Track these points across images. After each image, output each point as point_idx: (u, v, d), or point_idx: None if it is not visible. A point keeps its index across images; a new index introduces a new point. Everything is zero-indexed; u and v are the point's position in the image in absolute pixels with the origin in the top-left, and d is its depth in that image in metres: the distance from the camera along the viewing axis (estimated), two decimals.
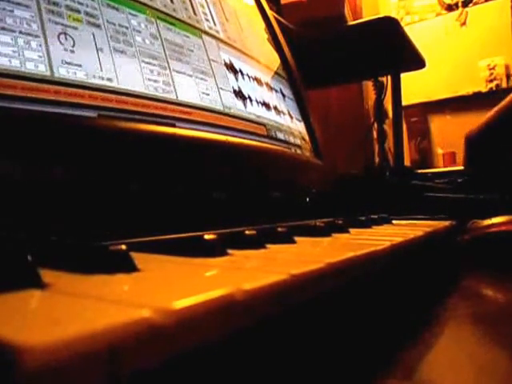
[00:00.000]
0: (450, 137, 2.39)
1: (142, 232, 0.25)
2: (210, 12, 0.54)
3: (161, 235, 0.25)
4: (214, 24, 0.54)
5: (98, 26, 0.36)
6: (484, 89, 2.46)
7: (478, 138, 0.86)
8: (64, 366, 0.09)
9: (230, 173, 0.43)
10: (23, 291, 0.13)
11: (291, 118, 0.65)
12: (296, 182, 0.58)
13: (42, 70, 0.30)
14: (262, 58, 0.63)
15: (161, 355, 0.11)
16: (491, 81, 2.44)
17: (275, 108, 0.61)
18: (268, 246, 0.26)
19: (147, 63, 0.39)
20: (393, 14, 2.39)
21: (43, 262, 0.16)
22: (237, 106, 0.50)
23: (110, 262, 0.16)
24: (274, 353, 0.16)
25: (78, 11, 0.35)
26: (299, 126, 0.67)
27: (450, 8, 2.59)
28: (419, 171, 1.49)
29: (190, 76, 0.45)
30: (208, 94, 0.46)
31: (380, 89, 1.44)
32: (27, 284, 0.13)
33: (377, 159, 1.69)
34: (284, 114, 0.63)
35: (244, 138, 0.48)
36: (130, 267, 0.17)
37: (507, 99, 0.84)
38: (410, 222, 0.54)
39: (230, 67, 0.53)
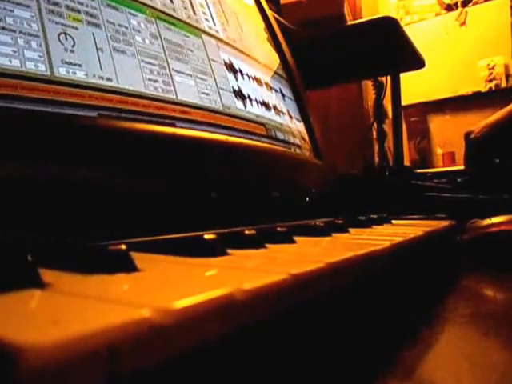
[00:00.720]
0: (449, 137, 2.40)
1: (141, 232, 0.25)
2: (210, 12, 0.54)
3: (161, 235, 0.25)
4: (214, 24, 0.54)
5: (98, 26, 0.36)
6: (483, 88, 2.46)
7: (482, 138, 0.85)
8: (64, 366, 0.09)
9: (230, 172, 0.43)
10: (23, 291, 0.13)
11: (291, 117, 0.65)
12: (296, 181, 0.58)
13: (42, 69, 0.30)
14: (261, 58, 0.63)
15: (161, 355, 0.11)
16: (491, 80, 2.45)
17: (275, 108, 0.61)
18: (268, 245, 0.26)
19: (147, 63, 0.39)
20: (392, 14, 2.40)
21: (43, 262, 0.16)
22: (236, 106, 0.50)
23: (109, 262, 0.16)
24: (274, 353, 0.16)
25: (78, 11, 0.35)
26: (299, 126, 0.67)
27: (450, 8, 2.59)
28: (419, 171, 1.49)
29: (190, 76, 0.45)
30: (208, 94, 0.46)
31: (380, 89, 1.44)
32: (27, 284, 0.13)
33: (376, 159, 1.69)
34: (284, 113, 0.63)
35: (244, 138, 0.48)
36: (129, 267, 0.17)
37: None
38: (410, 221, 0.54)
39: (230, 67, 0.53)
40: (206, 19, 0.52)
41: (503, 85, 2.41)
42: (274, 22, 0.75)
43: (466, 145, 0.89)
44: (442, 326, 0.27)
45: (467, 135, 0.88)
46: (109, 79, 0.35)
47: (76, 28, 0.34)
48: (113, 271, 0.16)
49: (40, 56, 0.30)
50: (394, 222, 0.53)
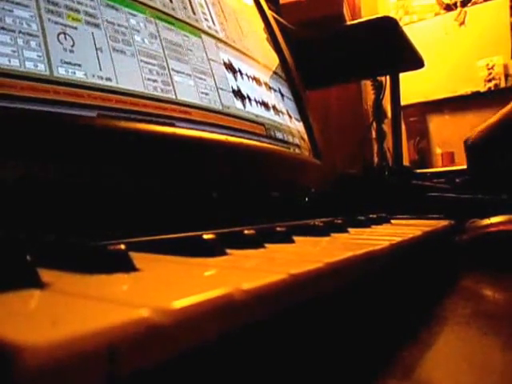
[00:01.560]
0: (448, 136, 2.40)
1: (141, 232, 0.25)
2: (209, 11, 0.54)
3: (160, 235, 0.25)
4: (213, 24, 0.54)
5: (98, 26, 0.36)
6: (482, 88, 2.46)
7: (479, 143, 0.85)
8: (63, 366, 0.09)
9: (229, 172, 0.43)
10: (22, 291, 0.13)
11: (290, 117, 0.65)
12: (295, 181, 0.58)
13: (41, 69, 0.30)
14: (260, 58, 0.63)
15: (160, 355, 0.11)
16: (490, 80, 2.45)
17: (274, 108, 0.61)
18: (267, 245, 0.26)
19: (146, 63, 0.39)
20: (391, 14, 2.40)
21: (42, 262, 0.16)
22: (236, 106, 0.50)
23: (109, 262, 0.16)
24: (273, 353, 0.16)
25: (78, 11, 0.35)
26: (298, 126, 0.67)
27: (449, 8, 2.59)
28: (418, 171, 1.50)
29: (189, 76, 0.45)
30: (207, 94, 0.46)
31: (379, 89, 1.44)
32: (26, 284, 0.13)
33: (376, 159, 1.69)
34: (283, 113, 0.63)
35: (243, 138, 0.48)
36: (129, 267, 0.17)
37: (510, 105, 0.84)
38: (409, 221, 0.54)
39: (229, 67, 0.53)
40: (206, 19, 0.52)
41: (502, 85, 2.42)
42: (274, 21, 0.75)
43: (465, 152, 0.89)
44: (442, 325, 0.27)
45: (466, 142, 0.88)
46: (108, 79, 0.35)
47: (75, 28, 0.34)
48: (112, 271, 0.16)
49: (39, 56, 0.30)
50: (393, 221, 0.53)
